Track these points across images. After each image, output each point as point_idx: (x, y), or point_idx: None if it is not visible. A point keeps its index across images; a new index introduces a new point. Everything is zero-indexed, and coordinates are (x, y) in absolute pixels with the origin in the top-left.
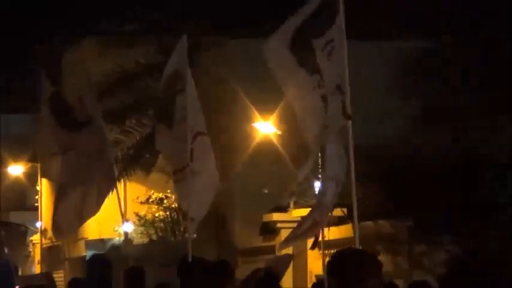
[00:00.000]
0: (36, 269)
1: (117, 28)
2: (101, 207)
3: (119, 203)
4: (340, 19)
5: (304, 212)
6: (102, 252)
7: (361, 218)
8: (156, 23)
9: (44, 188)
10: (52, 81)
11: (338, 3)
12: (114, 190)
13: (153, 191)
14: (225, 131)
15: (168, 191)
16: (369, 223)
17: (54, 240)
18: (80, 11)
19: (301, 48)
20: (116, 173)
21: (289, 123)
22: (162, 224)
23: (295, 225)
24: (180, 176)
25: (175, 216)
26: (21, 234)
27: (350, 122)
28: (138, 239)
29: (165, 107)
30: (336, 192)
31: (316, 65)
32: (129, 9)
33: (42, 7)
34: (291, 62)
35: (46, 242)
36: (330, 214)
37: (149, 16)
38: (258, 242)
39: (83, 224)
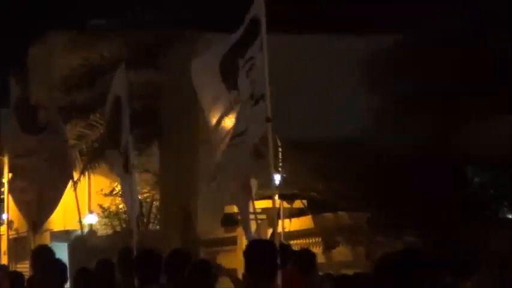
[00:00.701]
0: (2, 259)
1: (82, 23)
2: (66, 200)
3: (76, 199)
4: (261, 38)
5: (264, 203)
6: (67, 242)
7: (322, 210)
8: (121, 18)
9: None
10: (17, 80)
11: (261, 24)
12: (78, 183)
13: (116, 183)
14: (194, 125)
15: None
16: (329, 214)
17: (19, 231)
18: (48, 6)
19: (228, 68)
20: (81, 167)
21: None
22: (125, 216)
23: (259, 217)
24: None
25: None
26: None
27: (270, 124)
28: (102, 231)
29: (111, 127)
30: None
31: (236, 82)
32: (95, 4)
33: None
34: (213, 80)
35: (12, 234)
36: (291, 206)
37: (115, 12)
38: (220, 233)
39: (47, 217)
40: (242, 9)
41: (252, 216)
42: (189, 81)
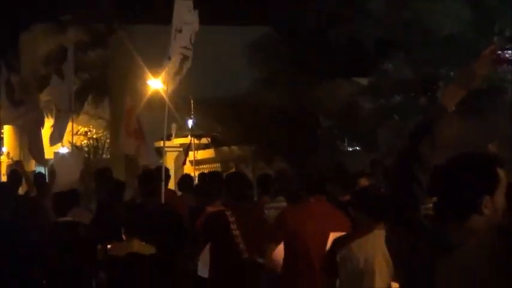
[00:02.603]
0: (2, 179)
1: (56, 17)
2: (45, 137)
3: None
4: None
5: (181, 140)
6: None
7: (220, 145)
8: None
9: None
10: (7, 66)
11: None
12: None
13: (80, 127)
14: (131, 88)
15: (91, 126)
16: (225, 148)
17: (14, 159)
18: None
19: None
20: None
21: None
22: (86, 149)
23: (176, 149)
24: None
25: (95, 143)
26: None
27: None
28: None
29: None
30: None
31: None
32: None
33: None
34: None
35: (8, 161)
36: (199, 142)
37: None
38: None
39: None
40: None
41: (173, 149)
42: (126, 56)
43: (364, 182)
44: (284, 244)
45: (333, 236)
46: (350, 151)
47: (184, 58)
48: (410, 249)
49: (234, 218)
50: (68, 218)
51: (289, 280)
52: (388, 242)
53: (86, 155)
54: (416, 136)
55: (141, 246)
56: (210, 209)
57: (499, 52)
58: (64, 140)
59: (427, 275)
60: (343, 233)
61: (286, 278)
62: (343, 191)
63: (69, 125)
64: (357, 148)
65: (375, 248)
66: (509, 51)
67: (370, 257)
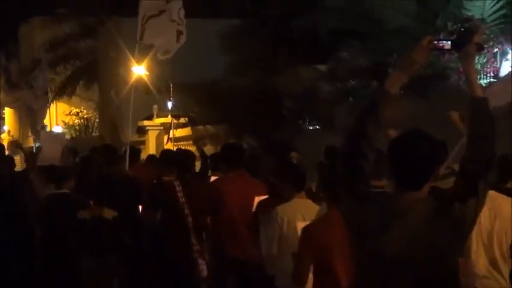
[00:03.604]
0: None
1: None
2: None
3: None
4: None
5: (162, 120)
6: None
7: (196, 124)
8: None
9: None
10: (6, 53)
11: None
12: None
13: (73, 108)
14: (117, 73)
15: (82, 107)
16: (201, 127)
17: (14, 137)
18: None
19: None
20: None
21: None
22: (78, 127)
23: (158, 127)
24: None
25: (86, 122)
26: None
27: None
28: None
29: None
30: None
31: None
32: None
33: None
34: None
35: (9, 138)
36: (177, 121)
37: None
38: (135, 137)
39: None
40: None
41: (155, 127)
42: (114, 45)
43: (294, 155)
44: (215, 211)
45: (257, 199)
46: (310, 129)
47: (179, 33)
48: (361, 218)
49: (180, 188)
50: (55, 191)
51: (223, 241)
52: (342, 212)
53: (78, 133)
54: (363, 117)
55: (105, 211)
56: (165, 179)
57: (435, 42)
58: (58, 119)
59: (378, 240)
60: (266, 197)
61: (220, 240)
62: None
63: (63, 106)
64: (317, 127)
65: (295, 213)
66: (444, 41)
67: (291, 221)
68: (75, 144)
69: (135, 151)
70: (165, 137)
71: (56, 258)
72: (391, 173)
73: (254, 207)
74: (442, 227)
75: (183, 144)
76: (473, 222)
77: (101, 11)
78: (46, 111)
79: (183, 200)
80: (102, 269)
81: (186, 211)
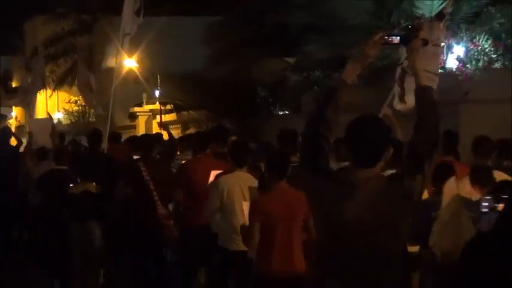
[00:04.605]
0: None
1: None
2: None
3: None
4: None
5: (150, 106)
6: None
7: (181, 110)
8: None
9: None
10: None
11: None
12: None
13: (72, 96)
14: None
15: (79, 96)
16: (185, 112)
17: (21, 122)
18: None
19: None
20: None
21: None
22: (76, 114)
23: (146, 113)
24: None
25: (83, 110)
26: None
27: None
28: (65, 121)
29: None
30: None
31: None
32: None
33: None
34: None
35: (16, 123)
36: (165, 108)
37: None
38: (127, 122)
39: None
40: None
41: (144, 113)
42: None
43: (232, 138)
44: (184, 184)
45: (213, 173)
46: (281, 114)
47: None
48: (322, 190)
49: (144, 168)
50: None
51: (190, 209)
52: (305, 185)
53: (76, 118)
54: (323, 103)
55: (89, 185)
56: (132, 160)
57: (386, 37)
58: (59, 106)
59: (337, 208)
60: (221, 171)
61: (188, 208)
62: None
63: (64, 95)
64: (286, 112)
65: (234, 184)
66: (393, 37)
67: (230, 190)
68: (74, 129)
69: (115, 135)
70: (156, 123)
71: (50, 222)
72: (348, 153)
73: (211, 178)
74: (393, 198)
75: (171, 128)
76: (420, 195)
77: (95, 10)
78: (40, 90)
79: (148, 177)
80: (86, 232)
81: (151, 186)
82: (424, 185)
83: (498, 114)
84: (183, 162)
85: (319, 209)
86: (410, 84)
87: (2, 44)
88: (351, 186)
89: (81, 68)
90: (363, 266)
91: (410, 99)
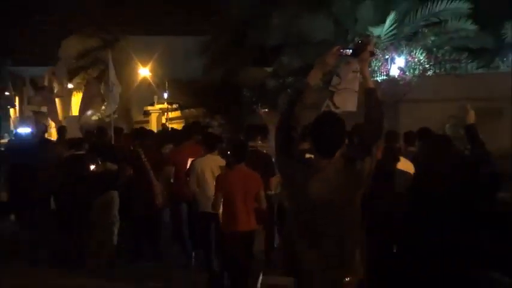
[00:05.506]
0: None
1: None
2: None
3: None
4: None
5: (160, 106)
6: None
7: (186, 107)
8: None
9: None
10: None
11: None
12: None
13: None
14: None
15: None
16: (187, 110)
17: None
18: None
19: None
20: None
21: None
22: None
23: (157, 111)
24: None
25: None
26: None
27: None
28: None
29: None
30: None
31: None
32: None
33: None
34: None
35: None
36: (172, 107)
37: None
38: (142, 117)
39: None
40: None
41: (155, 111)
42: (126, 55)
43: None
44: (173, 165)
45: (190, 159)
46: (262, 112)
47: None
48: (292, 172)
49: (143, 152)
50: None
51: (176, 183)
52: (279, 167)
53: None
54: (292, 101)
55: (109, 165)
56: (134, 147)
57: (341, 50)
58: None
59: (303, 189)
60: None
61: (176, 182)
62: None
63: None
64: (266, 110)
65: (206, 165)
66: (347, 50)
67: (203, 170)
68: (100, 123)
69: (118, 130)
70: (164, 119)
71: (72, 197)
72: (312, 145)
73: (188, 164)
74: (349, 177)
75: (175, 123)
76: (369, 173)
77: (116, 30)
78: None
79: (146, 160)
80: (104, 202)
81: (148, 167)
82: (372, 165)
83: (429, 111)
84: (173, 147)
85: (292, 185)
86: (343, 95)
87: (47, 56)
88: (315, 170)
89: (93, 82)
90: (326, 228)
91: (343, 105)
